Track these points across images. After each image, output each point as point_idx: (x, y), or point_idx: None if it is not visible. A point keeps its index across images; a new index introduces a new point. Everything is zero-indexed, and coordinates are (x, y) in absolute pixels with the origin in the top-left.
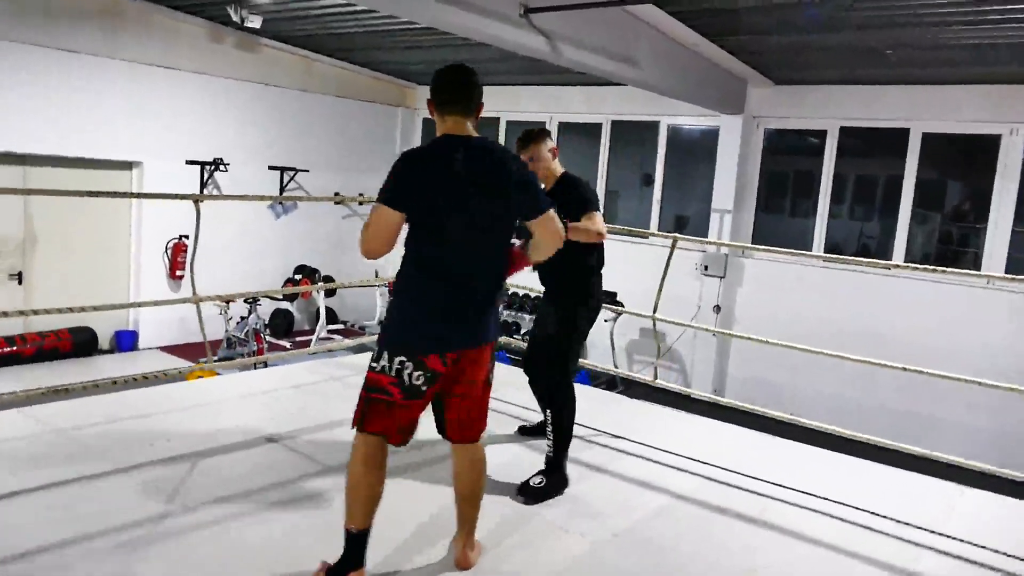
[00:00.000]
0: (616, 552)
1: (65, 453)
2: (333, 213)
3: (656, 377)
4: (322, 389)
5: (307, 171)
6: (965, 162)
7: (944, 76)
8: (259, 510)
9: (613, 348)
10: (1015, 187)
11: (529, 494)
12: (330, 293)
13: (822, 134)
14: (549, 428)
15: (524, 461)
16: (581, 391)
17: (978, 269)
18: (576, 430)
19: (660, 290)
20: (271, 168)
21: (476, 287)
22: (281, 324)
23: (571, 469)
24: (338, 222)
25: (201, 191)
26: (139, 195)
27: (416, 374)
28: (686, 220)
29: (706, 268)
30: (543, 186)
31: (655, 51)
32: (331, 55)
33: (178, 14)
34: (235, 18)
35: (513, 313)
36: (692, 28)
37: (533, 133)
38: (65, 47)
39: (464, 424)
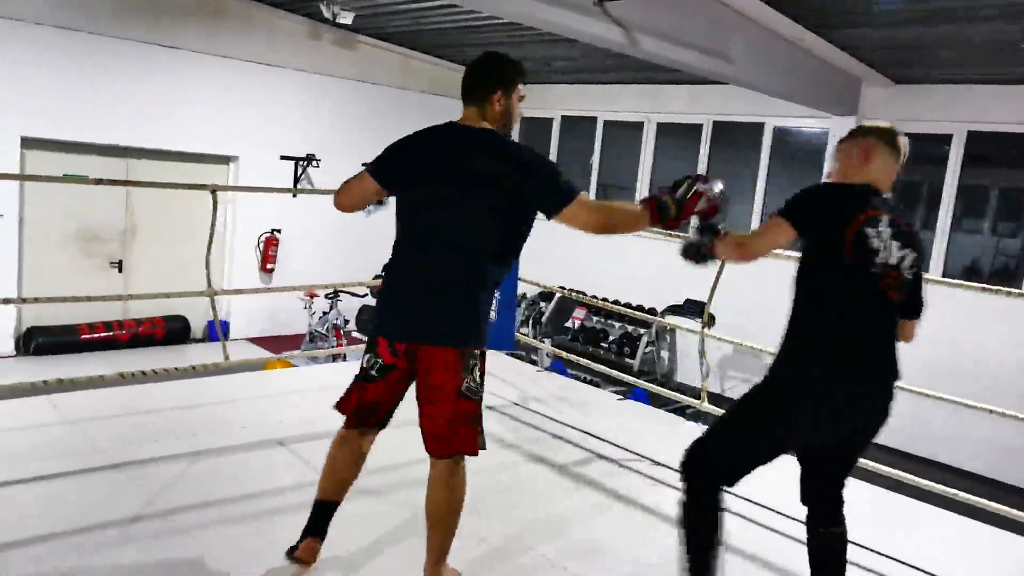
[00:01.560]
0: None
1: (69, 445)
2: None
3: (704, 399)
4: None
5: None
6: None
7: None
8: (234, 518)
9: (702, 363)
10: None
11: None
12: None
13: (947, 139)
14: None
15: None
16: (640, 411)
17: None
18: (614, 452)
19: (710, 300)
20: (363, 165)
21: (433, 275)
22: (368, 320)
23: (594, 496)
24: None
25: (294, 186)
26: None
27: (367, 357)
28: None
29: None
30: None
31: (752, 45)
32: (427, 52)
33: (279, 11)
34: (327, 14)
35: (602, 320)
36: (794, 20)
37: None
38: (168, 43)
39: (431, 436)
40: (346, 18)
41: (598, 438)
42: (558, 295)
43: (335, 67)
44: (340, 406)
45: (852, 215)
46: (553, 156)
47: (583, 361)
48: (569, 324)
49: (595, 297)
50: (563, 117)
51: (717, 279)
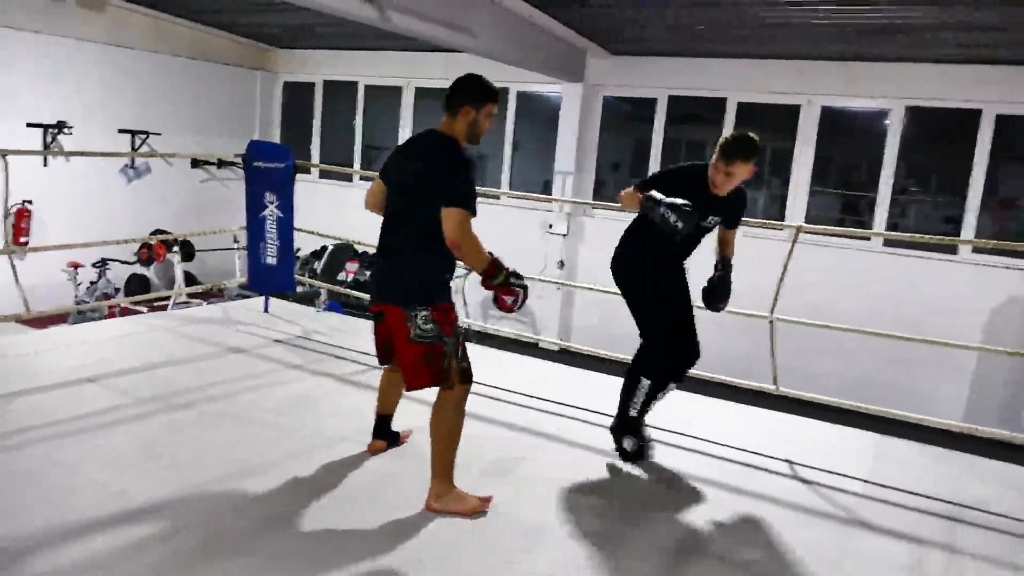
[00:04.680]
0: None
1: None
2: (190, 177)
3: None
4: (152, 338)
5: (159, 134)
6: (772, 127)
7: (753, 51)
8: (57, 437)
9: (465, 303)
10: (812, 150)
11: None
12: (188, 256)
13: (654, 102)
14: None
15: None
16: None
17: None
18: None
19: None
20: (121, 131)
21: (387, 253)
22: (136, 289)
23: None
24: (195, 186)
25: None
26: None
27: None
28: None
29: (551, 227)
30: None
31: (491, 21)
32: (181, 15)
33: None
34: None
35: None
36: (525, 0)
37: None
38: None
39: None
40: None
41: (370, 354)
42: (331, 248)
43: (81, 30)
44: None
45: None
46: (317, 120)
47: (362, 295)
48: (342, 277)
49: (366, 251)
50: (325, 82)
51: None
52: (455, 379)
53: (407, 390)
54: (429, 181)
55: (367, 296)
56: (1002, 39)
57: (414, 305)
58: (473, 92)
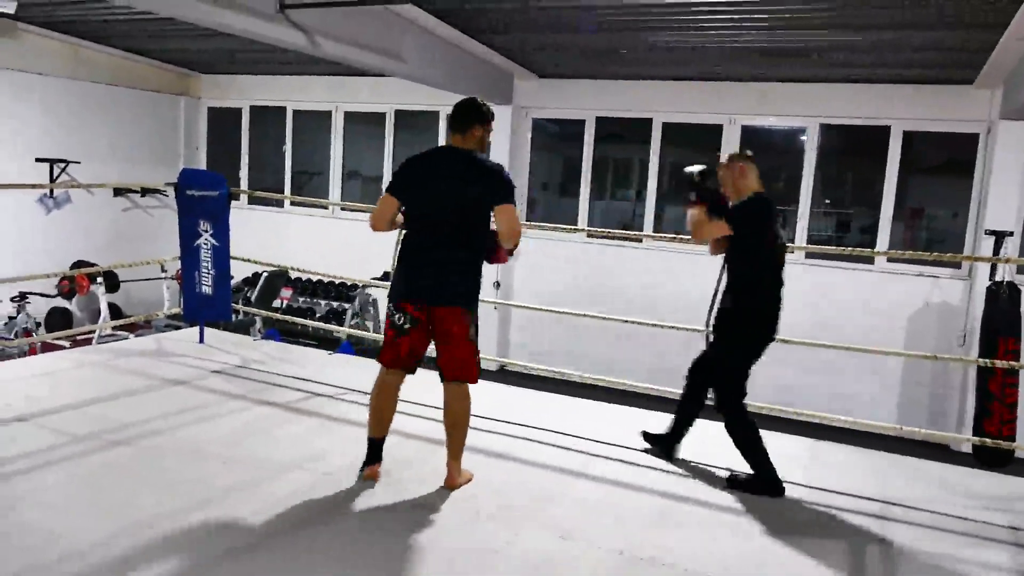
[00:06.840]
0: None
1: None
2: (112, 206)
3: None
4: (83, 374)
5: (79, 163)
6: (698, 146)
7: (675, 73)
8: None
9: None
10: None
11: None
12: (112, 288)
13: (583, 123)
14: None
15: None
16: (347, 360)
17: None
18: (327, 390)
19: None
20: (39, 160)
21: (436, 258)
22: (58, 323)
23: (312, 421)
24: (117, 215)
25: None
26: None
27: (399, 316)
28: None
29: None
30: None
31: (419, 46)
32: (100, 42)
33: None
34: None
35: (308, 300)
36: (451, 25)
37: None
38: None
39: (446, 366)
40: (7, 7)
41: (313, 381)
42: (265, 274)
43: None
44: (395, 363)
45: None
46: (245, 145)
47: (298, 320)
48: (277, 304)
49: (299, 277)
50: (252, 107)
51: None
52: None
53: (452, 380)
54: (474, 191)
55: (304, 322)
56: (904, 59)
57: (470, 308)
58: (481, 115)
